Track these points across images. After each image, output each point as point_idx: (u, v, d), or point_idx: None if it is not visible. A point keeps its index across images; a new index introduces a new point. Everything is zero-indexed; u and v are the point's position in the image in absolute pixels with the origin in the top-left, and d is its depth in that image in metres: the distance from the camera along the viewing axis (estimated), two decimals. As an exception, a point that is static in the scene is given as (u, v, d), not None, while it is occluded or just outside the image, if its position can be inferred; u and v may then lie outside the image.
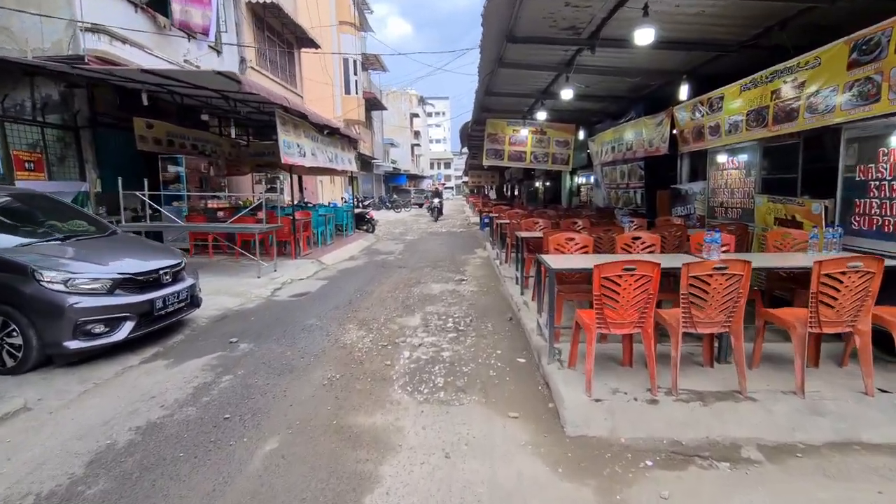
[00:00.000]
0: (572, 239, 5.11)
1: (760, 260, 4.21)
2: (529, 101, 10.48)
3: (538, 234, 6.42)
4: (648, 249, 4.94)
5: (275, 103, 7.87)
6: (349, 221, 15.43)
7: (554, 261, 4.18)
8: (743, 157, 6.42)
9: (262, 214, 8.62)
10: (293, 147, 8.75)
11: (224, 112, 11.20)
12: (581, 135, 12.00)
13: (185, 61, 10.02)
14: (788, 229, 5.02)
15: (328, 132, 10.92)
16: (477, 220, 20.29)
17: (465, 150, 20.89)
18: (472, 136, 16.01)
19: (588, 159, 13.12)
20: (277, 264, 8.60)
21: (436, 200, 23.45)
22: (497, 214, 10.91)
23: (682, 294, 3.25)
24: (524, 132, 12.41)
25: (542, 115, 10.29)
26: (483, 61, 7.50)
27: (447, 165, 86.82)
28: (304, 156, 9.28)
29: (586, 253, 4.99)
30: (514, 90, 9.63)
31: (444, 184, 74.35)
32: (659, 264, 3.23)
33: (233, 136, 11.40)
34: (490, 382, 3.88)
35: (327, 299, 6.86)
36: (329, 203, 17.47)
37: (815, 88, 4.64)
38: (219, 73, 7.04)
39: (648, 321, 3.33)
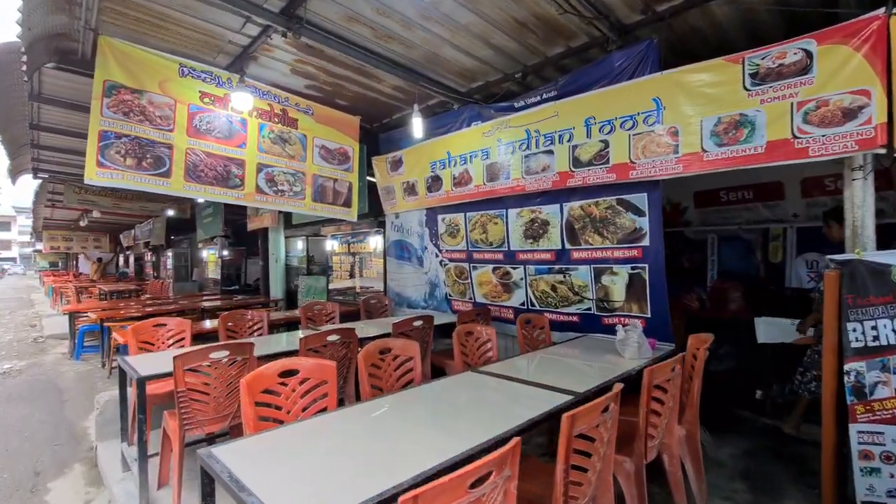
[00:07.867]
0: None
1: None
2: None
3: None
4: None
5: None
6: None
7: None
8: None
9: None
10: None
11: None
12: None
13: None
14: None
15: None
16: (64, 328, 8.98)
17: (32, 171, 8.84)
18: (41, 133, 6.06)
19: (373, 204, 6.32)
20: None
21: None
22: (120, 335, 2.49)
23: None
24: (241, 101, 4.46)
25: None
26: None
27: (5, 227, 57.57)
28: None
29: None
30: None
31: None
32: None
33: None
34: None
35: None
36: None
37: None
38: None
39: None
